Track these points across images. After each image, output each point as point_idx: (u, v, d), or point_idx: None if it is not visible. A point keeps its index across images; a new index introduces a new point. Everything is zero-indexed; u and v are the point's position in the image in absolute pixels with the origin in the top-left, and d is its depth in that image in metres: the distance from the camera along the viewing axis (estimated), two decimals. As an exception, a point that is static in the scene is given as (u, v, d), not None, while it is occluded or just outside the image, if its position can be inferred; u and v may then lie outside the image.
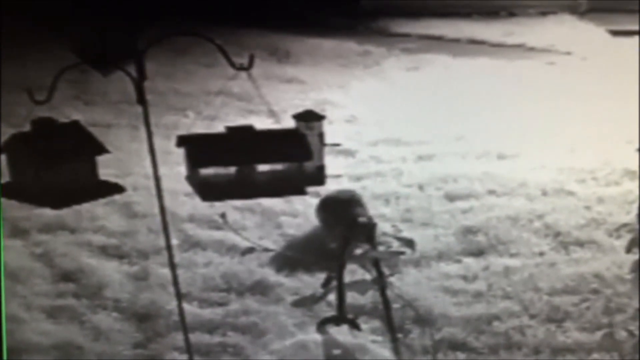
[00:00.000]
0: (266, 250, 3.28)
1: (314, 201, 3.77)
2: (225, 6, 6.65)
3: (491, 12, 7.16)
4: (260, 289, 3.33)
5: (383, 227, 3.40)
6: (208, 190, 2.73)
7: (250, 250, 3.12)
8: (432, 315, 3.12)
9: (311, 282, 3.29)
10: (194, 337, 2.95)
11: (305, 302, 3.11)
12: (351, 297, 3.00)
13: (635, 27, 6.28)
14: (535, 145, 4.61)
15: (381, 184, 4.25)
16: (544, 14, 7.14)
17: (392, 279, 3.04)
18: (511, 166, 4.38)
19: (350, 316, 3.02)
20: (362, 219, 3.21)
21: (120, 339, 3.05)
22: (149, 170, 2.70)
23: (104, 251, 3.61)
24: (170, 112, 5.11)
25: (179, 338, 2.96)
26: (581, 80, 5.66)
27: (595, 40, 6.55)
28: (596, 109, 5.06)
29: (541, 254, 3.56)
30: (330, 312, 3.06)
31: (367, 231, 3.13)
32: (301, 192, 2.81)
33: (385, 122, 5.00)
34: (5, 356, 2.38)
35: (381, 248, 3.04)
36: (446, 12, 7.13)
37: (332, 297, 3.04)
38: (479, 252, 3.57)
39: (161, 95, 5.30)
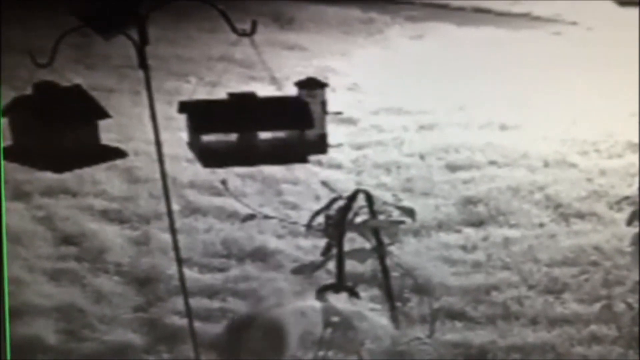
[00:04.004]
0: (266, 217, 3.29)
1: (316, 169, 3.78)
2: (229, -29, 6.59)
3: (497, -19, 7.08)
4: (260, 255, 3.35)
5: (384, 196, 3.40)
6: (209, 157, 2.72)
7: (250, 217, 3.12)
8: (430, 284, 3.13)
9: (311, 249, 3.31)
10: (194, 302, 2.97)
11: (304, 270, 3.13)
12: (350, 265, 3.02)
13: (643, -2, 6.22)
14: (538, 116, 4.59)
15: (382, 153, 4.24)
16: (550, -17, 7.07)
17: (391, 248, 3.05)
18: (513, 137, 4.37)
19: (349, 284, 3.04)
20: None
21: (121, 302, 3.07)
22: (151, 135, 2.69)
23: (105, 215, 3.63)
24: (172, 77, 5.09)
25: (179, 302, 2.97)
26: (586, 51, 5.63)
27: (601, 10, 6.49)
28: (600, 81, 5.03)
29: (541, 225, 3.56)
30: (330, 280, 3.07)
31: None
32: (302, 160, 2.80)
33: (388, 91, 4.98)
34: (7, 317, 2.40)
35: (381, 217, 3.04)
36: (452, -20, 7.06)
37: (331, 265, 3.06)
38: (479, 223, 3.58)
39: (163, 60, 5.28)
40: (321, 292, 3.04)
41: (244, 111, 2.63)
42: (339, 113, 3.54)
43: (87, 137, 2.58)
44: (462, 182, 3.92)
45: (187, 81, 5.06)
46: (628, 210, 3.32)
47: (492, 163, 4.11)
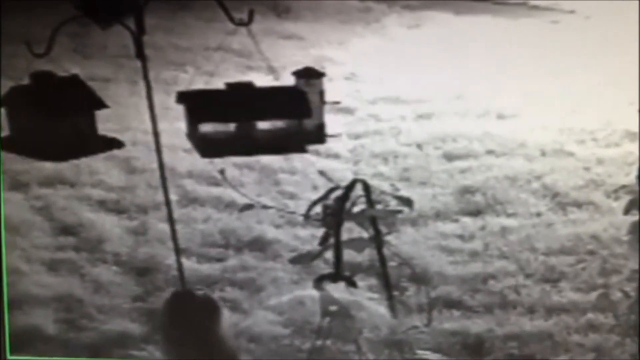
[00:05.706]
0: (264, 207, 3.29)
1: (313, 159, 3.78)
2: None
3: (495, -30, 7.07)
4: (258, 245, 3.36)
5: (381, 185, 3.41)
6: (207, 147, 2.72)
7: (248, 206, 3.12)
8: (428, 273, 3.15)
9: (309, 239, 3.32)
10: (193, 292, 2.98)
11: (302, 259, 3.13)
12: (348, 254, 3.03)
13: (641, -13, 6.21)
14: (536, 105, 4.60)
15: (380, 142, 4.25)
16: (548, -29, 7.06)
17: (389, 237, 3.06)
18: (511, 126, 4.38)
19: (347, 273, 3.05)
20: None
21: (119, 292, 3.08)
22: (148, 125, 2.70)
23: (103, 205, 3.63)
24: (169, 67, 5.09)
25: (177, 292, 2.98)
26: (584, 39, 5.62)
27: (599, -1, 6.48)
28: (598, 70, 5.03)
29: (538, 214, 3.57)
30: (327, 269, 3.08)
31: None
32: (300, 149, 2.81)
33: (385, 80, 4.98)
34: (6, 307, 2.41)
35: (379, 206, 3.05)
36: (449, -32, 7.04)
37: (329, 254, 3.06)
38: (476, 212, 3.59)
39: (160, 50, 5.27)
40: (319, 282, 3.05)
41: (241, 101, 2.63)
42: (336, 102, 3.54)
43: (84, 127, 2.58)
44: (460, 172, 3.92)
45: (185, 71, 5.05)
46: (625, 199, 3.33)
47: (490, 152, 4.11)
